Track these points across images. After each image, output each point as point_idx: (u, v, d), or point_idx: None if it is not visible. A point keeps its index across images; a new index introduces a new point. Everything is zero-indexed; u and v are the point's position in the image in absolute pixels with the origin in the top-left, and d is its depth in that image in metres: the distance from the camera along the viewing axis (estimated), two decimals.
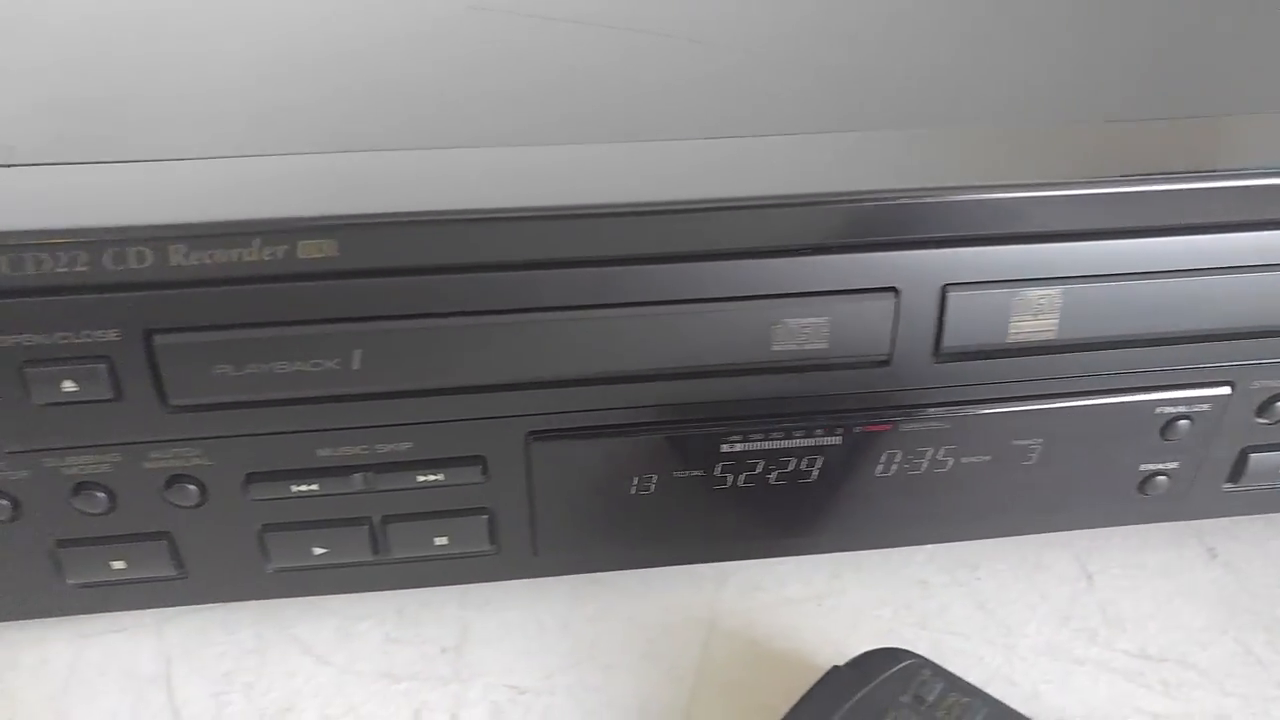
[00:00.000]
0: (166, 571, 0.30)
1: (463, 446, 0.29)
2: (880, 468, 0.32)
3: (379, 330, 0.25)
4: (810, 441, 0.30)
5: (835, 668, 0.30)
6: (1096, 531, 0.36)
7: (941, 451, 0.32)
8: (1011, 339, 0.28)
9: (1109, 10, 0.38)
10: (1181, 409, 0.31)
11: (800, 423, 0.30)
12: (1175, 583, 0.35)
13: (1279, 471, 0.33)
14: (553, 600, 0.34)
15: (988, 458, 0.32)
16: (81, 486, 0.28)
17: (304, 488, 0.28)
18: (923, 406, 0.30)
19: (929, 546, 0.36)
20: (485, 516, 0.30)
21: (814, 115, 0.30)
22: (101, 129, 0.28)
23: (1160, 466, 0.32)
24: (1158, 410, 0.31)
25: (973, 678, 0.30)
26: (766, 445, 0.30)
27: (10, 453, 0.27)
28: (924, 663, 0.30)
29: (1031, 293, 0.28)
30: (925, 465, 0.32)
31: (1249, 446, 0.32)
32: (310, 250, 0.24)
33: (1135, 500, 0.33)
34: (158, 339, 0.25)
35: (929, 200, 0.26)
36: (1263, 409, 0.32)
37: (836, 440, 0.31)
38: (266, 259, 0.24)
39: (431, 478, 0.29)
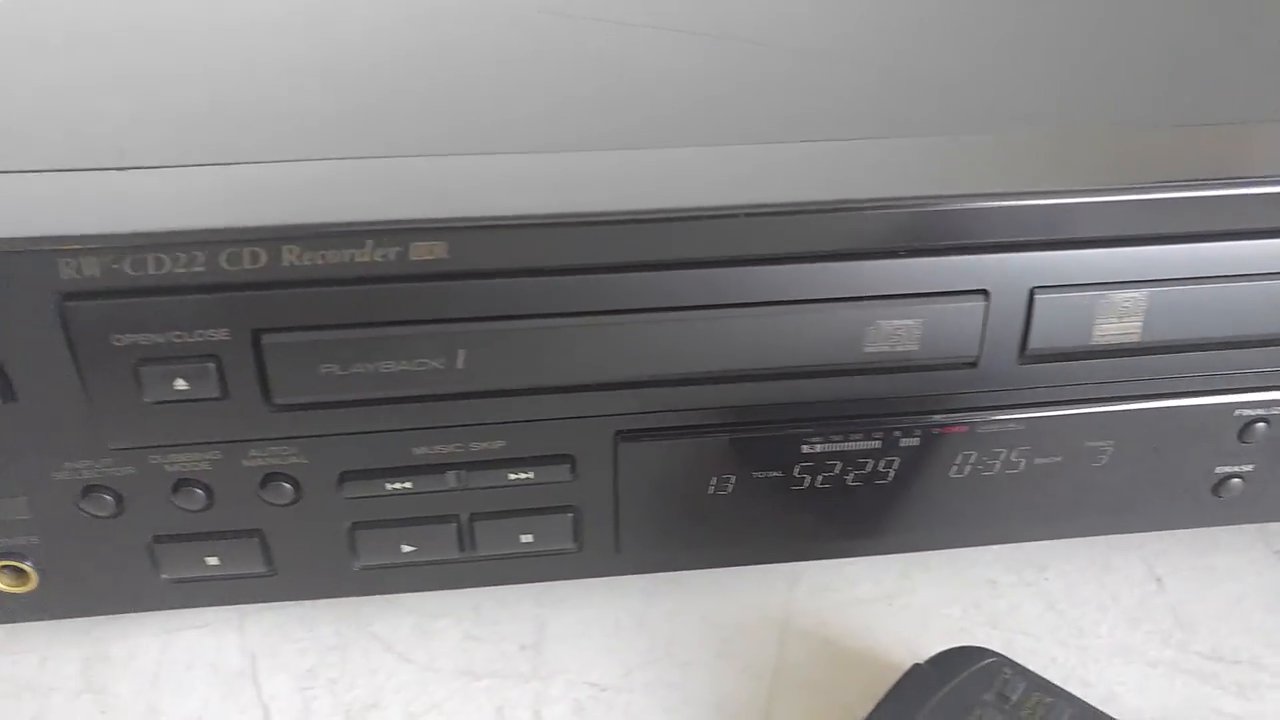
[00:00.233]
0: (256, 568, 0.30)
1: (553, 445, 0.29)
2: (955, 469, 0.32)
3: (483, 330, 0.26)
4: (890, 443, 0.31)
5: (916, 665, 0.30)
6: (1162, 534, 0.37)
7: (1015, 453, 0.32)
8: (1096, 341, 0.29)
9: (1169, 14, 0.38)
10: (1260, 411, 0.31)
11: (882, 424, 0.30)
12: (1244, 585, 0.35)
13: None
14: (627, 598, 0.35)
15: (1059, 459, 0.32)
16: (181, 483, 0.28)
17: (398, 486, 0.29)
18: (1004, 408, 0.30)
19: (995, 546, 0.36)
20: (570, 515, 0.31)
21: (897, 118, 0.31)
22: (209, 131, 0.28)
23: (1236, 469, 0.32)
24: (1237, 413, 0.31)
25: (1048, 678, 0.30)
26: (846, 446, 0.31)
27: (117, 449, 0.27)
28: (1005, 661, 0.30)
29: (1117, 295, 0.28)
30: (998, 466, 0.32)
31: None
32: (421, 252, 0.24)
33: (1208, 502, 0.33)
34: (266, 338, 0.26)
35: (1020, 203, 0.27)
36: None
37: (915, 441, 0.31)
38: (378, 260, 0.25)
39: (522, 476, 0.29)
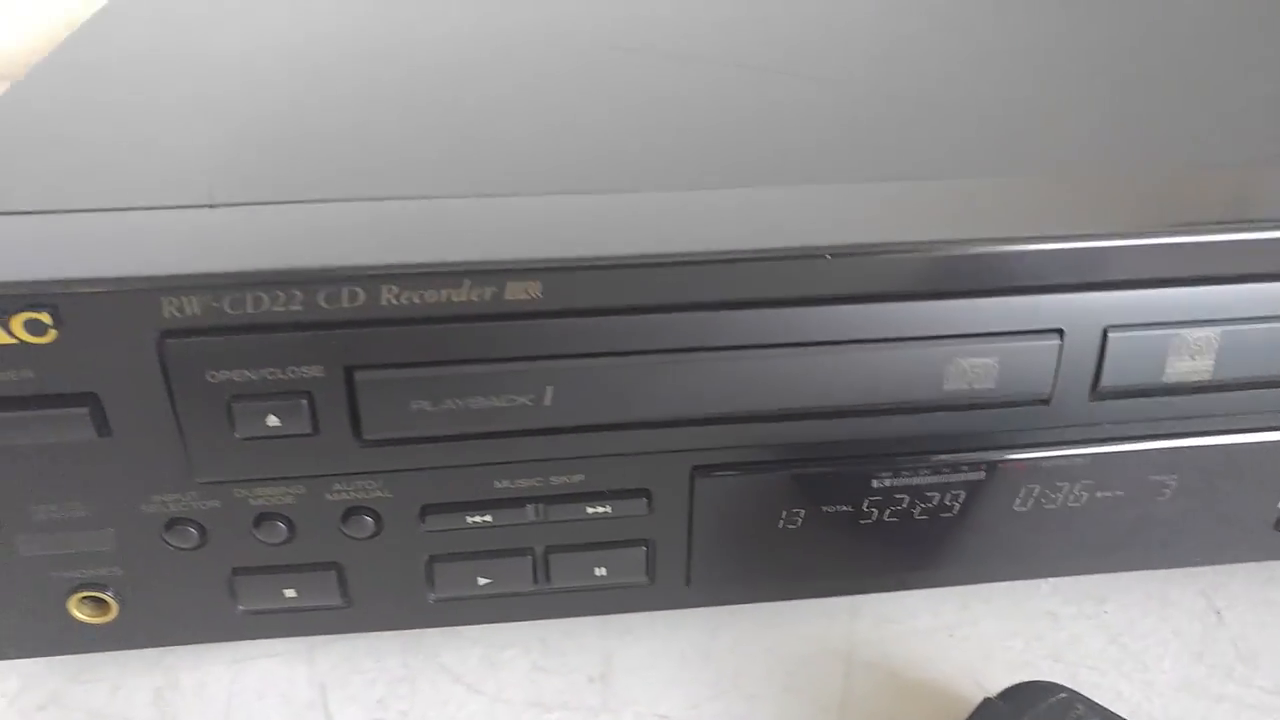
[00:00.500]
0: (333, 601, 0.31)
1: (631, 480, 0.29)
2: (1018, 502, 0.32)
3: (571, 367, 0.26)
4: (959, 477, 0.31)
5: (988, 699, 0.30)
6: (1218, 567, 0.37)
7: (1079, 486, 0.32)
8: (1167, 379, 0.29)
9: (1230, 51, 0.39)
10: None
11: (952, 459, 0.31)
12: None
13: None
14: (690, 630, 0.35)
15: (1122, 493, 0.33)
16: (264, 517, 0.29)
17: (478, 519, 0.29)
18: (1072, 443, 0.31)
19: (1053, 579, 0.37)
20: (644, 548, 0.31)
21: (972, 159, 0.31)
22: (294, 169, 0.29)
23: None
24: None
25: (1118, 713, 0.30)
26: (915, 480, 0.31)
27: (204, 483, 0.28)
28: (1077, 696, 0.30)
29: (1190, 334, 0.29)
30: (1061, 499, 0.33)
31: None
32: (516, 291, 0.25)
33: (1270, 537, 0.34)
34: (359, 375, 0.26)
35: (1094, 245, 0.27)
36: None
37: (982, 475, 0.31)
38: (474, 299, 0.25)
39: (600, 510, 0.29)
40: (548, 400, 0.27)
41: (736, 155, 0.31)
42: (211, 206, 0.27)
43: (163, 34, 0.40)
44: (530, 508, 0.29)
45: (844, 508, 0.31)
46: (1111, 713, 0.30)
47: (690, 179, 0.29)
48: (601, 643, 0.35)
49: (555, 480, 0.29)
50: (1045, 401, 0.29)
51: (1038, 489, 0.32)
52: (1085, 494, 0.33)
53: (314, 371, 0.26)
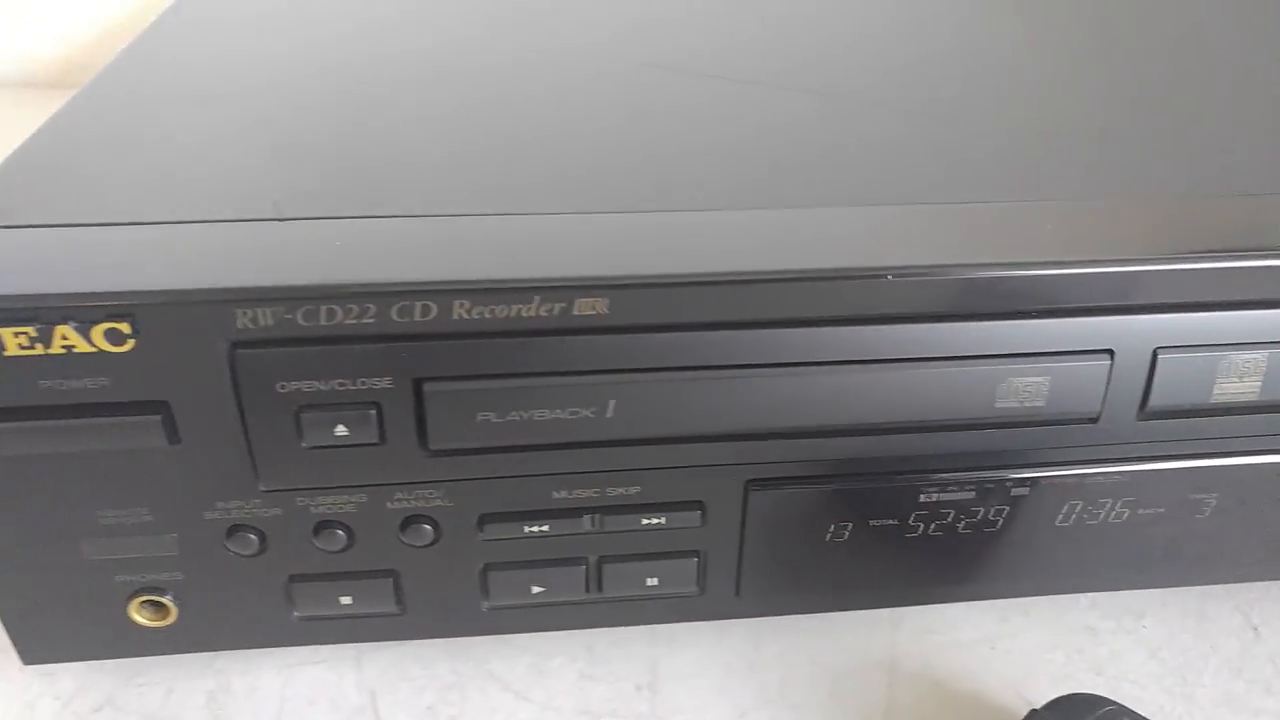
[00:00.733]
0: (388, 608, 0.31)
1: (686, 492, 0.30)
2: (1061, 518, 0.33)
3: (635, 382, 0.27)
4: (1004, 493, 0.32)
5: (1034, 711, 0.31)
6: (1255, 584, 0.37)
7: (1121, 503, 0.33)
8: (1214, 400, 0.30)
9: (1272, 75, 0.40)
10: None
11: (999, 475, 0.31)
12: None
13: None
14: (735, 640, 0.35)
15: (1163, 510, 0.33)
16: (323, 525, 0.29)
17: (535, 528, 0.30)
18: (1116, 460, 0.31)
19: (1091, 594, 0.37)
20: (696, 559, 0.31)
21: (1025, 183, 0.32)
22: (364, 183, 0.29)
23: None
24: None
25: None
26: (961, 496, 0.32)
27: (267, 491, 0.28)
28: (1123, 710, 0.30)
29: (1239, 356, 0.29)
30: (1103, 516, 0.33)
31: None
32: (584, 307, 0.25)
33: None
34: (428, 386, 0.26)
35: (1145, 268, 0.28)
36: None
37: (1027, 491, 0.32)
38: (543, 315, 0.25)
39: (654, 521, 0.30)
40: (610, 413, 0.27)
41: (791, 177, 0.31)
42: (281, 220, 0.27)
43: (220, 46, 0.40)
44: (587, 518, 0.30)
45: (891, 521, 0.32)
46: None
47: (750, 199, 0.30)
48: (648, 651, 0.35)
49: (612, 491, 0.29)
50: (1094, 420, 0.30)
51: (1080, 505, 0.33)
52: (1126, 510, 0.33)
53: (383, 383, 0.26)
